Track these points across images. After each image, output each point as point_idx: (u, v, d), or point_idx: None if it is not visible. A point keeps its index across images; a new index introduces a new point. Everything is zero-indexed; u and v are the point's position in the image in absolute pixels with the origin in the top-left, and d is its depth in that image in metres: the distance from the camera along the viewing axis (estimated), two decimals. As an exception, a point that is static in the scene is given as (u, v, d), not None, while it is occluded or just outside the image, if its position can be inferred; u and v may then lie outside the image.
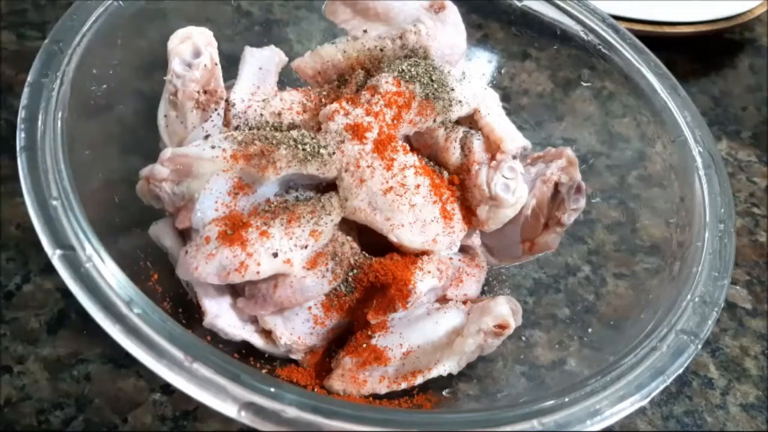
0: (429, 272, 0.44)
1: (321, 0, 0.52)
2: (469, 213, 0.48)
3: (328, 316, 0.43)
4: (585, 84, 0.59)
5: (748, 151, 0.72)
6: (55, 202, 0.35)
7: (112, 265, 0.34)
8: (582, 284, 0.51)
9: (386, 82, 0.46)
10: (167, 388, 0.44)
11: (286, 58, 0.52)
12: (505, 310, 0.44)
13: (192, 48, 0.46)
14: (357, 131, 0.44)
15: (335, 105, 0.45)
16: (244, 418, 0.31)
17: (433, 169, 0.47)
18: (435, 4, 0.51)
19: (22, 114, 0.38)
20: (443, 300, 0.47)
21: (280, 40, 0.58)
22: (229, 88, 0.48)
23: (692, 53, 0.81)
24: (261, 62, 0.51)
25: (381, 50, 0.49)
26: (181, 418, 0.43)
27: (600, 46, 0.57)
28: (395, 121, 0.46)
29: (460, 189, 0.48)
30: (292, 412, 0.31)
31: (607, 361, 0.39)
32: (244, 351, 0.43)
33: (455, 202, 0.47)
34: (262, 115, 0.47)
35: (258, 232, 0.40)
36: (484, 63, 0.61)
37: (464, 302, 0.47)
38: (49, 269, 0.48)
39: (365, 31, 0.50)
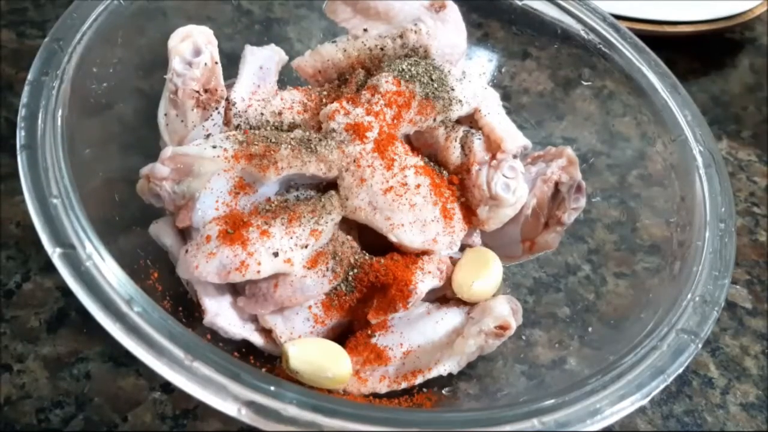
0: (429, 272, 0.44)
1: (321, -1, 0.52)
2: (469, 212, 0.48)
3: (329, 316, 0.43)
4: (585, 83, 0.59)
5: (749, 151, 0.72)
6: (55, 201, 0.35)
7: (112, 264, 0.34)
8: (582, 283, 0.51)
9: (386, 81, 0.46)
10: (167, 387, 0.44)
11: (287, 57, 0.52)
12: (505, 310, 0.44)
13: (192, 46, 0.46)
14: (357, 131, 0.44)
15: (336, 104, 0.45)
16: (245, 416, 0.31)
17: (433, 169, 0.48)
18: (435, 3, 0.51)
19: (22, 112, 0.38)
20: (443, 299, 0.47)
21: (281, 39, 0.58)
22: (229, 86, 0.48)
23: (693, 52, 0.81)
24: (261, 61, 0.51)
25: (381, 49, 0.49)
26: (181, 416, 0.43)
27: (600, 45, 0.57)
28: (395, 121, 0.46)
29: (460, 188, 0.48)
30: (292, 410, 0.31)
31: (607, 361, 0.39)
32: (244, 350, 0.43)
33: (455, 202, 0.47)
34: (262, 114, 0.47)
35: (258, 231, 0.40)
36: (484, 62, 0.61)
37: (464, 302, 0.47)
38: (49, 268, 0.48)
39: (365, 30, 0.50)
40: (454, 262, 0.47)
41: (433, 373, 0.43)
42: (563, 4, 0.58)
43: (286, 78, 0.53)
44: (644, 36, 0.58)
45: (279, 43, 0.53)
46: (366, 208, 0.44)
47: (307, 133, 0.45)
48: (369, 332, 0.44)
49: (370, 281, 0.43)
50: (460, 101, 0.48)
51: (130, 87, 0.49)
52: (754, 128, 0.75)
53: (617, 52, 0.56)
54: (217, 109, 0.46)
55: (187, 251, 0.40)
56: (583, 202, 0.49)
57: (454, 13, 0.51)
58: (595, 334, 0.47)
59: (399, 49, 0.49)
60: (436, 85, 0.47)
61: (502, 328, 0.43)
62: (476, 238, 0.50)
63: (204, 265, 0.39)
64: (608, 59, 0.56)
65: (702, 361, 0.53)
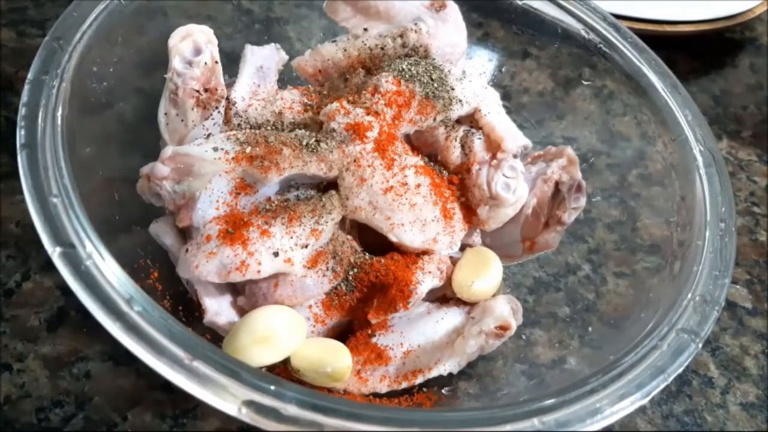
0: (430, 272, 0.44)
1: (321, -2, 0.52)
2: (469, 212, 0.48)
3: (329, 315, 0.43)
4: (586, 83, 0.59)
5: (749, 150, 0.72)
6: (55, 200, 0.35)
7: (112, 263, 0.34)
8: (582, 283, 0.51)
9: (386, 81, 0.46)
10: (167, 386, 0.44)
11: (287, 57, 0.52)
12: (506, 310, 0.44)
13: (192, 46, 0.46)
14: (358, 130, 0.44)
15: (336, 104, 0.45)
16: (245, 416, 0.31)
17: (433, 169, 0.47)
18: (436, 2, 0.51)
19: (22, 111, 0.38)
20: (443, 299, 0.47)
21: (281, 38, 0.58)
22: (229, 86, 0.48)
23: (693, 52, 0.81)
24: (261, 60, 0.51)
25: (381, 49, 0.49)
26: (181, 416, 0.43)
27: (601, 45, 0.57)
28: (396, 121, 0.46)
29: (460, 188, 0.48)
30: (292, 410, 0.31)
31: (608, 360, 0.39)
32: (244, 349, 0.43)
33: (455, 202, 0.47)
34: (262, 114, 0.47)
35: (259, 231, 0.40)
36: (484, 61, 0.61)
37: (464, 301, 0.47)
38: (49, 267, 0.48)
39: (366, 30, 0.50)
40: (454, 261, 0.47)
41: (434, 373, 0.43)
42: (563, 3, 0.58)
43: (286, 77, 0.53)
44: (644, 36, 0.58)
45: (279, 42, 0.53)
46: (366, 207, 0.44)
47: (308, 133, 0.45)
48: (369, 332, 0.44)
49: (371, 281, 0.43)
50: (461, 101, 0.48)
51: (130, 86, 0.49)
52: (754, 128, 0.75)
53: (617, 51, 0.56)
54: (217, 108, 0.46)
55: (187, 251, 0.40)
56: (583, 201, 0.49)
57: (454, 12, 0.51)
58: (595, 334, 0.47)
59: (399, 49, 0.49)
60: (436, 85, 0.47)
61: (503, 328, 0.43)
62: (476, 238, 0.50)
63: (204, 264, 0.39)
64: (608, 59, 0.56)
65: (702, 361, 0.53)
